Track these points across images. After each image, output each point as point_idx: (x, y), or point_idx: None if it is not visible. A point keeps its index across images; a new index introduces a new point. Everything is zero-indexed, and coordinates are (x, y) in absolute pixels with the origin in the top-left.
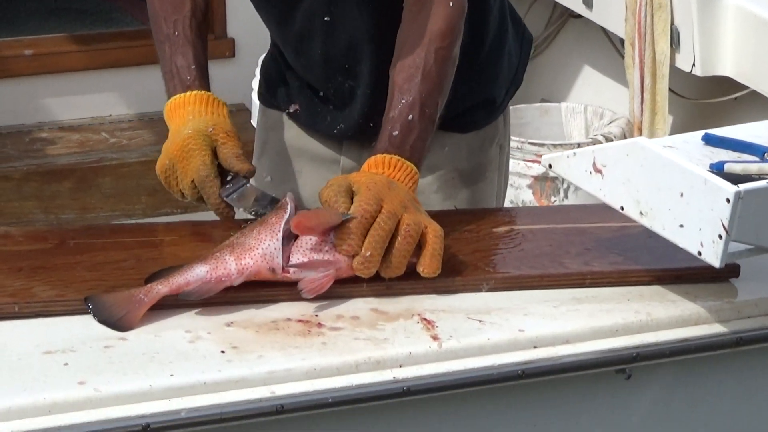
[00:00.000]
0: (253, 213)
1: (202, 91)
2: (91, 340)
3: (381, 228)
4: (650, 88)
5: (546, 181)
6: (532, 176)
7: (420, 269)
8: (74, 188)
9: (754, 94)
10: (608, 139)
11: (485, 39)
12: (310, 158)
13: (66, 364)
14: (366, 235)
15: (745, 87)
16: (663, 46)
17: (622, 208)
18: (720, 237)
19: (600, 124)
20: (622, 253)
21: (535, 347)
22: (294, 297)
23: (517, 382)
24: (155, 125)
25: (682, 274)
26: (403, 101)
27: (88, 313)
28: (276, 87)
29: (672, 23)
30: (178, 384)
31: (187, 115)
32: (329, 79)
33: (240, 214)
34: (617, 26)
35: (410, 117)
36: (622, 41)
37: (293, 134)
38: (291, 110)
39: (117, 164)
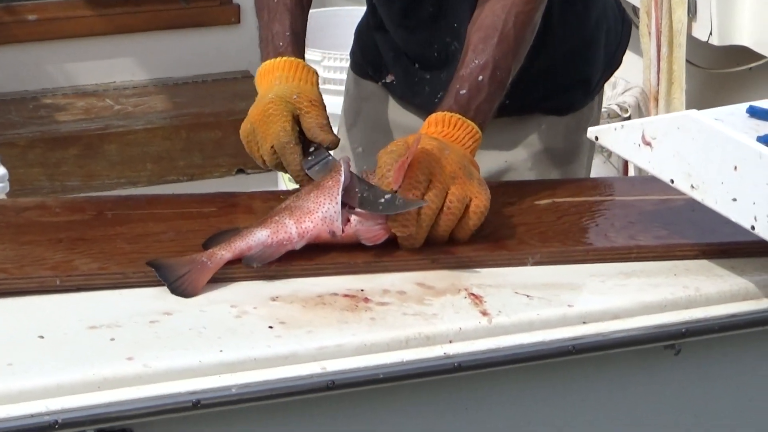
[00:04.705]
0: None
1: (293, 58)
2: (136, 314)
3: (429, 208)
4: (667, 58)
5: None
6: None
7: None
8: (79, 155)
9: None
10: (623, 109)
11: (591, 15)
12: (404, 132)
13: (112, 339)
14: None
15: (761, 57)
16: (680, 14)
17: (672, 182)
18: None
19: (614, 93)
20: (666, 227)
21: (584, 323)
22: (338, 271)
23: (567, 358)
24: (160, 92)
25: (728, 248)
26: (476, 61)
27: (131, 286)
28: (371, 56)
29: None
30: (227, 360)
31: (273, 81)
32: (436, 41)
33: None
34: None
35: (480, 78)
36: (634, 9)
37: (388, 106)
38: (387, 80)
39: (122, 131)
